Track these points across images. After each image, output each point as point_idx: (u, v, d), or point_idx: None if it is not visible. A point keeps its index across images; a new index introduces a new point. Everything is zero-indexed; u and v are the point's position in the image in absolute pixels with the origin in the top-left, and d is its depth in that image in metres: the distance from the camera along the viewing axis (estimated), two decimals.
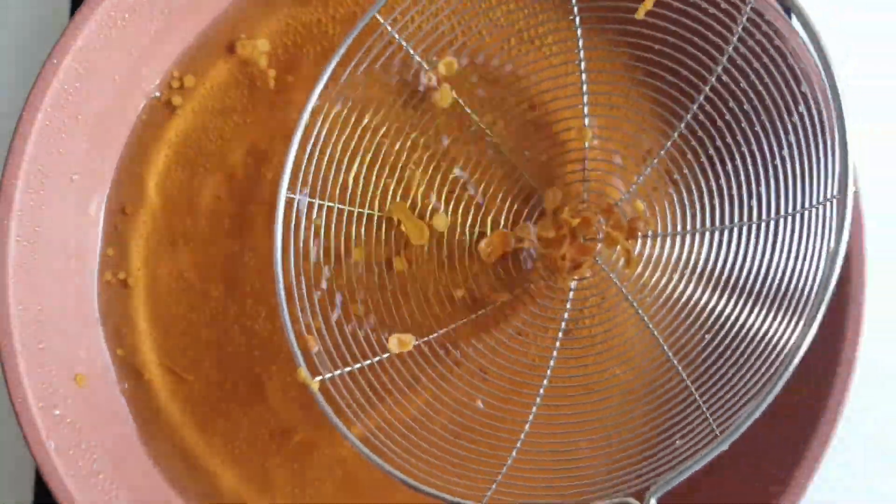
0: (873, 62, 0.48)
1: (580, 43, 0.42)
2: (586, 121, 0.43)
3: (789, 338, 0.37)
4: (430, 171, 0.43)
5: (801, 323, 0.37)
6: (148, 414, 0.43)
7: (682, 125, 0.42)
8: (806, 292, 0.38)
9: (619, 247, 0.42)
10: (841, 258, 0.36)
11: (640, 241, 0.42)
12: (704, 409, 0.39)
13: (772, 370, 0.37)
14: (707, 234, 0.42)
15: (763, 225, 0.40)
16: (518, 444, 0.41)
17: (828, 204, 0.37)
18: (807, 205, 0.39)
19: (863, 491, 0.46)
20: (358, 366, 0.41)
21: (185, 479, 0.43)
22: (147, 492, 0.43)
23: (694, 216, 0.42)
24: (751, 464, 0.41)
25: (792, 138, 0.39)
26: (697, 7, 0.40)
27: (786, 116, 0.39)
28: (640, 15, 0.41)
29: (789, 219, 0.39)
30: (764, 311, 0.39)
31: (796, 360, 0.36)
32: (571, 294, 0.43)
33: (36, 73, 0.40)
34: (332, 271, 0.43)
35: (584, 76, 0.43)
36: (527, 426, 0.41)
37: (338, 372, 0.40)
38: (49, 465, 0.39)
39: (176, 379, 0.44)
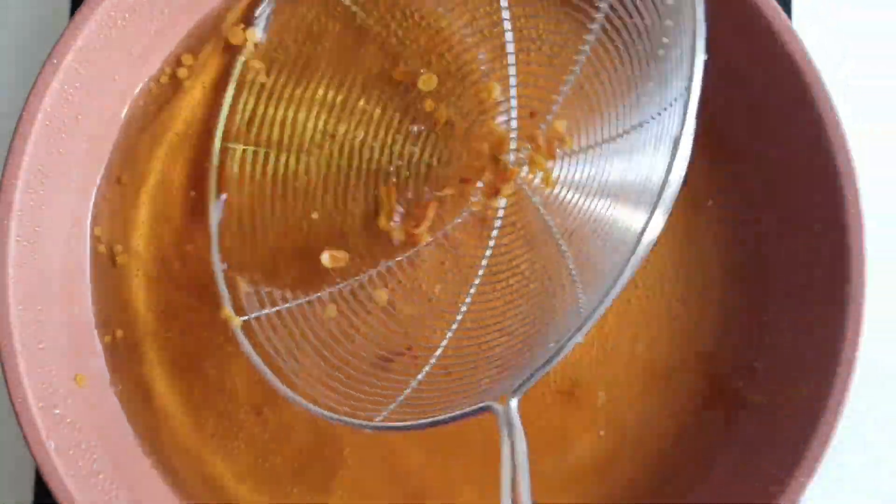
0: (872, 62, 0.48)
1: None
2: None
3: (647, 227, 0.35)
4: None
5: (657, 212, 0.35)
6: (146, 413, 0.43)
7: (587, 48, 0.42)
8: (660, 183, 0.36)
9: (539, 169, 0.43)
10: (685, 145, 0.34)
11: (559, 161, 0.43)
12: (581, 299, 0.39)
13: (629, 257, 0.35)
14: (601, 148, 0.42)
15: (645, 126, 0.39)
16: (428, 367, 0.42)
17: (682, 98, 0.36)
18: (665, 104, 0.37)
19: (862, 491, 0.46)
20: (286, 306, 0.42)
21: (185, 479, 0.43)
22: (147, 492, 0.43)
23: (596, 129, 0.42)
24: (750, 464, 0.41)
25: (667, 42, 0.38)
26: None
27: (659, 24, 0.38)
28: None
29: (658, 117, 0.38)
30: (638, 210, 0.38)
31: (648, 242, 0.34)
32: (495, 231, 0.43)
33: (36, 73, 0.40)
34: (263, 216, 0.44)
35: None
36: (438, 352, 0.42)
37: (264, 311, 0.41)
38: (49, 464, 0.39)
39: (174, 378, 0.44)
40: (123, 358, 0.44)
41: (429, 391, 0.41)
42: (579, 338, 0.35)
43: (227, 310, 0.42)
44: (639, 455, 0.43)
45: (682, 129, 0.34)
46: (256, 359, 0.41)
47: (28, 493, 0.45)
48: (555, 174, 0.43)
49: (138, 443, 0.43)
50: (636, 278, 0.44)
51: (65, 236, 0.43)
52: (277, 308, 0.42)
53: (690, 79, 0.34)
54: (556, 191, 0.43)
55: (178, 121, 0.44)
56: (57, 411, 0.40)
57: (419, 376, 0.41)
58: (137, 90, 0.44)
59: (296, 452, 0.43)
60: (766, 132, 0.43)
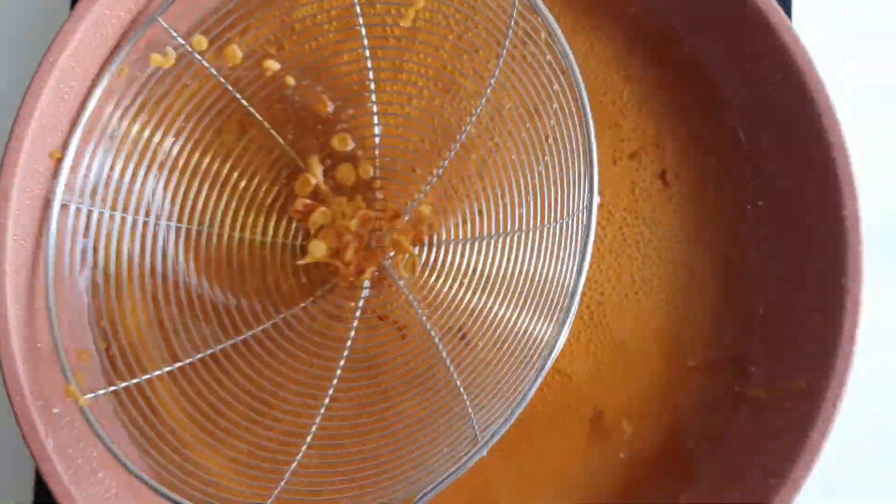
0: (872, 62, 0.48)
1: (365, 42, 0.43)
2: (376, 129, 0.44)
3: (547, 337, 0.38)
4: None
5: (556, 322, 0.37)
6: (145, 412, 0.43)
7: (463, 137, 0.43)
8: (561, 292, 0.38)
9: (405, 253, 0.42)
10: (587, 261, 0.37)
11: (426, 247, 0.43)
12: (470, 410, 0.39)
13: (531, 370, 0.37)
14: (484, 242, 0.42)
15: (530, 233, 0.41)
16: (305, 446, 0.41)
17: (582, 213, 0.38)
18: (565, 215, 0.39)
19: (860, 485, 0.46)
20: (135, 381, 0.41)
21: (184, 478, 0.43)
22: (146, 491, 0.43)
23: (473, 224, 0.43)
24: (748, 458, 0.41)
25: (552, 154, 0.40)
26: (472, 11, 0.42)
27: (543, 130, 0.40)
28: (406, 22, 0.43)
29: (552, 227, 0.40)
30: (529, 314, 0.40)
31: (553, 357, 0.36)
32: (361, 302, 0.43)
33: (32, 71, 0.40)
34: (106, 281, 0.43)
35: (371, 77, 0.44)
36: (314, 427, 0.41)
37: (112, 388, 0.40)
38: (48, 464, 0.39)
39: (171, 376, 0.44)
40: (122, 357, 0.43)
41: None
42: (483, 452, 0.36)
43: (73, 387, 0.40)
44: (636, 451, 0.43)
45: (584, 246, 0.37)
46: (106, 440, 0.39)
47: (28, 494, 0.45)
48: (423, 261, 0.42)
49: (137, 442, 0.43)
50: (634, 275, 0.44)
51: (63, 235, 0.42)
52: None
53: (589, 209, 0.37)
54: (428, 280, 0.42)
55: None
56: (56, 410, 0.40)
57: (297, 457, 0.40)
58: None
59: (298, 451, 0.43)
60: (765, 130, 0.43)
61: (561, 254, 0.39)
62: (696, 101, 0.45)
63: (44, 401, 0.40)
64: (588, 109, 0.38)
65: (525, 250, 0.40)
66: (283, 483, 0.39)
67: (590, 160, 0.38)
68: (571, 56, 0.38)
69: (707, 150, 0.44)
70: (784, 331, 0.42)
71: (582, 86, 0.38)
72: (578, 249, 0.37)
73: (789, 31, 0.40)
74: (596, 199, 0.37)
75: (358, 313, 0.43)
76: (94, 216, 0.42)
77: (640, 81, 0.45)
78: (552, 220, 0.40)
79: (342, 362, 0.42)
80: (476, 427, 0.37)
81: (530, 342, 0.38)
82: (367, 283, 0.43)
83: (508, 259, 0.41)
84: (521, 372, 0.38)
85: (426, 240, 0.43)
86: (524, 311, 0.40)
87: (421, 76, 0.45)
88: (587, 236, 0.37)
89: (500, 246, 0.41)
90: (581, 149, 0.38)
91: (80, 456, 0.40)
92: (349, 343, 0.42)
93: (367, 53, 0.43)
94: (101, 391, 0.40)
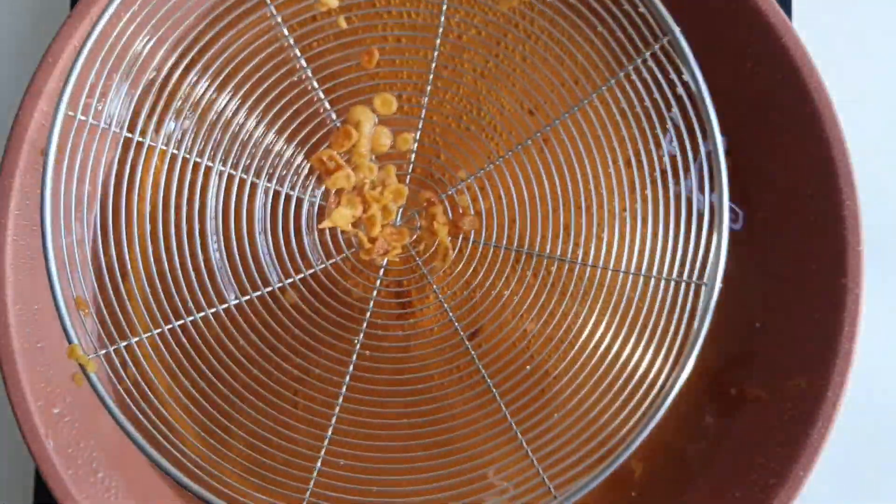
0: (872, 62, 0.48)
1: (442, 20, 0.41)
2: (425, 100, 0.41)
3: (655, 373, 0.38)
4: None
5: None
6: (145, 412, 0.43)
7: (529, 141, 0.41)
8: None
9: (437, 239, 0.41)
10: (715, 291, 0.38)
11: (461, 240, 0.41)
12: (533, 459, 0.38)
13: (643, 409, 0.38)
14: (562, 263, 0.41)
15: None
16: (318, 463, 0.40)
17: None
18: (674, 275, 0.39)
19: (860, 485, 0.46)
20: (160, 330, 0.39)
21: (184, 478, 0.43)
22: (145, 490, 0.43)
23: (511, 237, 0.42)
24: (749, 457, 0.41)
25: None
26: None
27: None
28: (504, 6, 0.41)
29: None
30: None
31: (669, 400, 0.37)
32: (378, 283, 0.41)
33: (32, 71, 0.40)
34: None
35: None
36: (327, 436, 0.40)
37: (123, 343, 0.38)
38: (48, 464, 0.39)
39: (171, 375, 0.43)
40: (122, 356, 0.43)
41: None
42: None
43: (77, 349, 0.37)
44: (638, 450, 0.43)
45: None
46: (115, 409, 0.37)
47: (28, 493, 0.45)
48: (454, 254, 0.41)
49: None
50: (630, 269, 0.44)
51: (62, 235, 0.42)
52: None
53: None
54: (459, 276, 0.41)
55: None
56: (56, 410, 0.40)
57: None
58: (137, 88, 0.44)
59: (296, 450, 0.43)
60: (765, 129, 0.43)
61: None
62: None
63: (44, 401, 0.40)
64: (714, 122, 0.37)
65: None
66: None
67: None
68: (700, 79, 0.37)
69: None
70: (784, 331, 0.42)
71: (712, 113, 0.37)
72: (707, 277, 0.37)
73: (789, 31, 0.40)
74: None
75: (374, 294, 0.41)
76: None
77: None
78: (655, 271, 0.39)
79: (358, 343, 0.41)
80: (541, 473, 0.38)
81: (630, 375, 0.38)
82: (385, 262, 0.41)
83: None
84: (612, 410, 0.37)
85: (465, 233, 0.41)
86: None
87: (503, 71, 0.42)
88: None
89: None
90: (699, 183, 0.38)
91: (80, 456, 0.40)
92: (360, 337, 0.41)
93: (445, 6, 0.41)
94: (102, 351, 0.38)
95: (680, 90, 0.38)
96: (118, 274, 0.41)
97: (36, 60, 0.40)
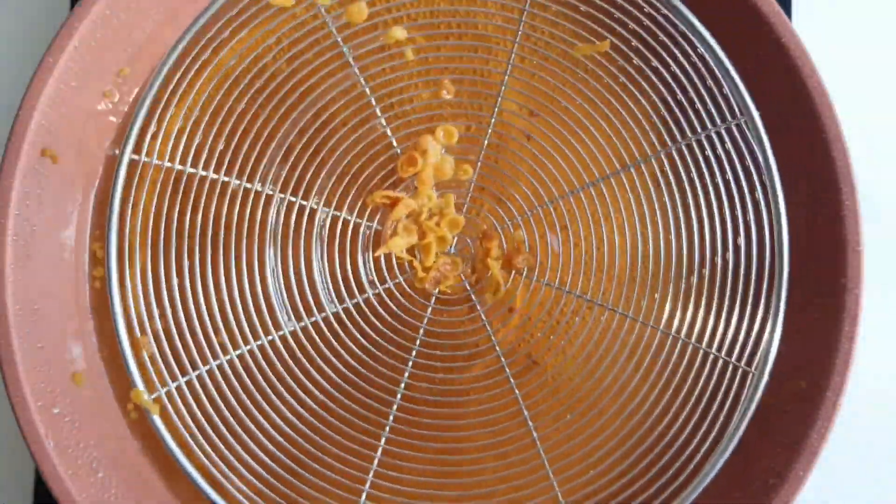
0: (872, 62, 0.48)
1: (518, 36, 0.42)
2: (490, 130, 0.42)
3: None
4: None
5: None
6: (144, 411, 0.43)
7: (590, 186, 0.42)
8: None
9: (490, 272, 0.42)
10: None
11: (513, 275, 0.42)
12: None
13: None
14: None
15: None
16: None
17: None
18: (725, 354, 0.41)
19: (860, 484, 0.46)
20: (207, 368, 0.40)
21: (183, 477, 0.43)
22: (145, 490, 0.43)
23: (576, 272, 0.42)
24: (749, 457, 0.41)
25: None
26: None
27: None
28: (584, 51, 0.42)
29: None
30: None
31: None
32: (429, 311, 0.42)
33: (32, 71, 0.40)
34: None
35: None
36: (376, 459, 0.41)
37: (176, 383, 0.39)
38: (48, 464, 0.39)
39: (171, 374, 0.44)
40: (182, 392, 0.43)
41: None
42: None
43: (141, 393, 0.39)
44: (638, 452, 0.43)
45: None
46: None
47: (28, 494, 0.45)
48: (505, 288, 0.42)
49: (136, 441, 0.43)
50: (629, 270, 0.44)
51: (62, 236, 0.43)
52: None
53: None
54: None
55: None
56: (56, 410, 0.40)
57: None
58: (135, 88, 0.44)
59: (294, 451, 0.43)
60: (764, 129, 0.43)
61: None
62: None
63: (44, 401, 0.40)
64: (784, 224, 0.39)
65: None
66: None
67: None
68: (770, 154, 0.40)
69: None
70: (784, 331, 0.42)
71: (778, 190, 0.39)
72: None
73: (789, 32, 0.40)
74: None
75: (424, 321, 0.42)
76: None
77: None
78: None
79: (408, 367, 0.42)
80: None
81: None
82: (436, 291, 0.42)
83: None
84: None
85: (519, 269, 0.42)
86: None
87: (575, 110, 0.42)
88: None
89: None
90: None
91: (80, 456, 0.40)
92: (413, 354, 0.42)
93: (515, 48, 0.41)
94: (164, 389, 0.39)
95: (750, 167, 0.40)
96: (180, 309, 0.41)
97: (36, 60, 0.40)
